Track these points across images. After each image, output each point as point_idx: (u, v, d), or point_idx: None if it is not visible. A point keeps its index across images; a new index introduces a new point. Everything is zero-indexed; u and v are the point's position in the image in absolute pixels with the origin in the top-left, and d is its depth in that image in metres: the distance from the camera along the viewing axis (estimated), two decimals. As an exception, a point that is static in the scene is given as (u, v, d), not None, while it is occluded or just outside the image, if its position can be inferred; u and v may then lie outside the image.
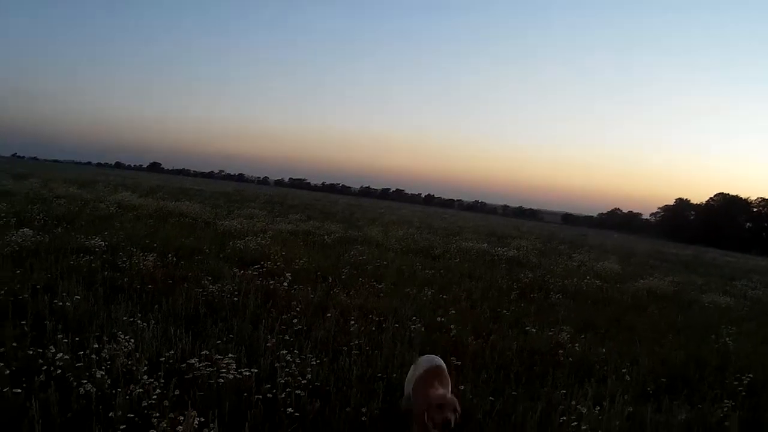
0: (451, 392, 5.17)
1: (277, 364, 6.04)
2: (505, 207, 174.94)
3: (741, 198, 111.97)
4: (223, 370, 5.57)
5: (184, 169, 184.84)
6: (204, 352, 6.06)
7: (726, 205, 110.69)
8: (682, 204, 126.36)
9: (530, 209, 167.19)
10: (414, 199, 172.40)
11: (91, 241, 11.97)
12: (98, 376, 5.17)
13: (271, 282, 10.17)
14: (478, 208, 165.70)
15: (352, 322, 8.25)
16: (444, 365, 5.50)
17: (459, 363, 7.05)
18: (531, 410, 5.91)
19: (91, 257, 10.67)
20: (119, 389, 4.97)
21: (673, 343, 9.70)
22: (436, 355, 5.85)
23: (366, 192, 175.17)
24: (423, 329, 8.44)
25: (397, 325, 8.44)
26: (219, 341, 6.82)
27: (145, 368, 5.56)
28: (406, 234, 25.03)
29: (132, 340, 6.01)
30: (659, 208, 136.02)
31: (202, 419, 4.57)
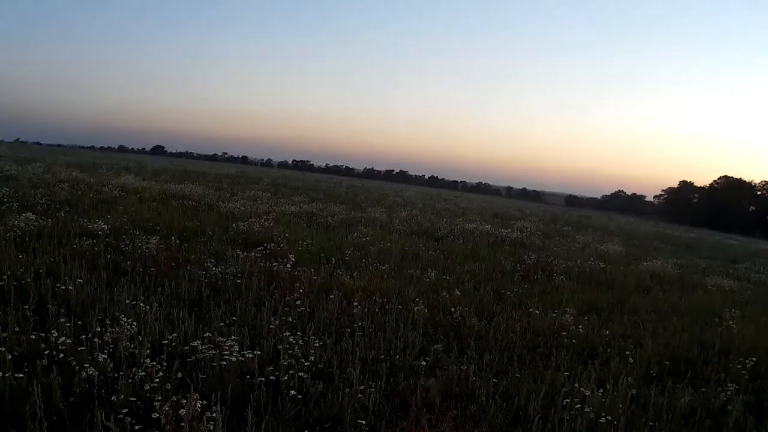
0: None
1: (280, 347, 6.04)
2: (509, 188, 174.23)
3: (745, 181, 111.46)
4: (226, 353, 5.57)
5: (187, 151, 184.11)
6: (207, 335, 6.04)
7: (730, 188, 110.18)
8: (685, 186, 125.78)
9: (534, 191, 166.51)
10: (418, 180, 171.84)
11: (94, 225, 11.96)
12: (100, 360, 5.16)
13: (275, 264, 10.16)
14: (481, 189, 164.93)
15: (356, 304, 8.24)
16: None
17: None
18: (535, 392, 5.90)
19: (94, 241, 10.67)
20: (121, 373, 4.96)
21: (677, 326, 9.67)
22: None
23: (370, 173, 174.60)
24: (426, 311, 8.43)
25: (400, 307, 8.43)
26: (222, 323, 6.82)
27: (148, 351, 5.57)
28: (410, 215, 24.97)
29: (135, 324, 6.02)
30: (663, 190, 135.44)
31: (205, 402, 4.56)
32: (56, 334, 5.53)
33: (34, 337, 5.61)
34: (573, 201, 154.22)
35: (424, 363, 6.48)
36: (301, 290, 8.71)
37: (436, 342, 7.41)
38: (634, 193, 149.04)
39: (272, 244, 12.20)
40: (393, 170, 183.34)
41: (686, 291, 13.98)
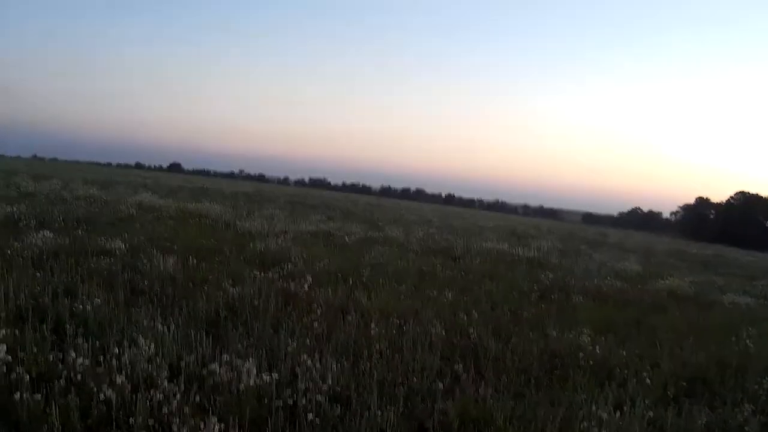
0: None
1: (297, 369, 6.03)
2: (526, 206, 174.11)
3: (762, 197, 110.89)
4: (244, 376, 5.57)
5: (204, 169, 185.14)
6: (224, 357, 6.05)
7: (747, 204, 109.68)
8: (702, 203, 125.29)
9: (550, 208, 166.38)
10: (434, 198, 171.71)
11: (111, 243, 12.04)
12: (118, 381, 5.17)
13: (292, 284, 10.17)
14: (498, 207, 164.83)
15: (373, 326, 8.21)
16: None
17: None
18: (552, 415, 5.85)
19: (112, 259, 10.73)
20: (139, 395, 4.98)
21: (694, 345, 9.59)
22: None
23: (386, 191, 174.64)
24: (443, 332, 8.40)
25: (417, 329, 8.40)
26: (239, 345, 6.82)
27: (166, 373, 5.58)
28: (427, 234, 24.96)
29: (152, 345, 6.04)
30: (679, 206, 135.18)
31: (223, 425, 4.57)
32: (74, 355, 5.54)
33: (51, 357, 5.65)
34: (590, 218, 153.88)
35: (442, 385, 6.45)
36: (318, 311, 8.70)
37: (453, 364, 7.37)
38: (651, 210, 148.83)
39: (289, 264, 12.21)
40: (409, 188, 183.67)
41: (703, 309, 13.86)
